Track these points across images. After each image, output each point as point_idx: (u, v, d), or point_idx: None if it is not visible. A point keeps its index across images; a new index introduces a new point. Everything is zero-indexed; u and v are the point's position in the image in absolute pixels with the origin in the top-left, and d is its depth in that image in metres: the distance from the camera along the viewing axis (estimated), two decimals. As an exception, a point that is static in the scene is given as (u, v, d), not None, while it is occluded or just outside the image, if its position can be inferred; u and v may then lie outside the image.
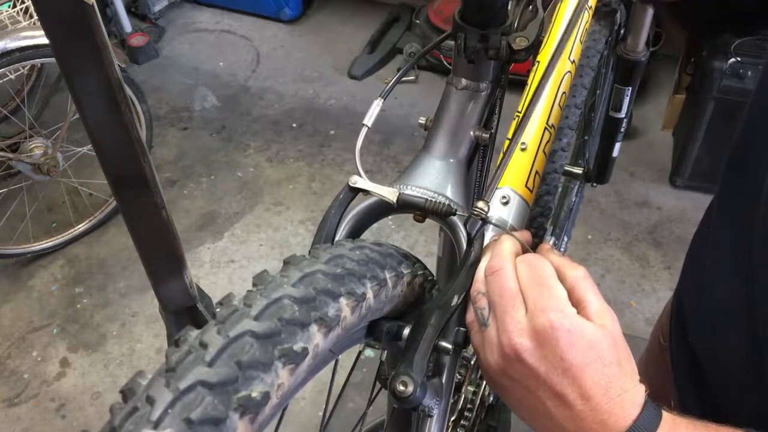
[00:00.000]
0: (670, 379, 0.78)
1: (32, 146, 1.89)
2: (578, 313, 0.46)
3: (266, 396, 0.32)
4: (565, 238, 1.66)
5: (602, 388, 0.44)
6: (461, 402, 0.89)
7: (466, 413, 0.90)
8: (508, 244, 0.51)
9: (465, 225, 0.52)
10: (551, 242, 1.51)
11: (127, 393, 0.31)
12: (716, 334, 0.64)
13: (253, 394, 0.31)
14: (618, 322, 0.47)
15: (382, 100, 0.61)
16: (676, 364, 0.76)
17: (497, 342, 0.47)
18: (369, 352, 1.51)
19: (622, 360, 0.45)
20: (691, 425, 0.46)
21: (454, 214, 0.53)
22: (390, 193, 0.54)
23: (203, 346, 0.32)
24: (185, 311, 1.07)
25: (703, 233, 0.73)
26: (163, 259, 1.00)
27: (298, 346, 0.34)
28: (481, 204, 0.53)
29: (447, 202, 0.54)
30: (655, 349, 0.91)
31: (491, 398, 0.98)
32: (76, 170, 2.06)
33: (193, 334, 0.33)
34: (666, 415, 0.45)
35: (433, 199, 0.54)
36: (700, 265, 0.70)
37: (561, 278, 0.48)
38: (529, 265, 0.48)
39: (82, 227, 2.13)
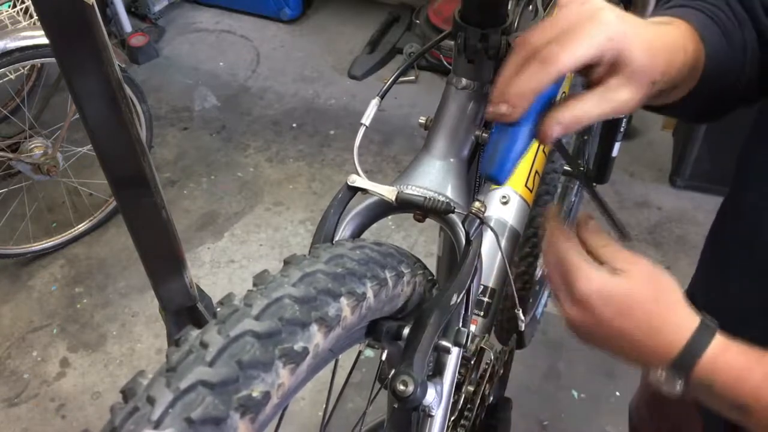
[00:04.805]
0: None
1: (32, 146, 1.89)
2: (610, 270, 0.53)
3: (267, 396, 0.32)
4: (565, 238, 1.66)
5: (644, 329, 0.51)
6: (461, 401, 0.89)
7: (466, 413, 0.90)
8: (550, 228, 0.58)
9: (463, 224, 0.52)
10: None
11: (127, 393, 0.31)
12: (731, 332, 0.64)
13: (254, 394, 0.31)
14: (647, 263, 0.53)
15: (380, 99, 0.61)
16: None
17: (562, 310, 0.56)
18: (369, 352, 1.51)
19: (658, 296, 0.52)
20: (742, 350, 0.51)
21: (453, 212, 0.53)
22: (389, 192, 0.54)
23: (204, 345, 0.32)
24: (185, 311, 1.08)
25: (716, 231, 0.73)
26: (163, 259, 1.00)
27: (298, 346, 0.34)
28: (478, 203, 0.53)
29: (446, 201, 0.54)
30: None
31: (491, 398, 0.98)
32: (76, 170, 2.06)
33: (194, 333, 0.33)
34: (718, 339, 0.51)
35: (432, 198, 0.54)
36: (715, 263, 0.70)
37: (590, 247, 0.56)
38: (558, 254, 0.56)
39: (82, 227, 2.13)
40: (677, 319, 0.51)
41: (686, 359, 0.50)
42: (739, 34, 0.57)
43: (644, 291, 0.51)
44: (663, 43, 0.50)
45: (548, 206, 0.57)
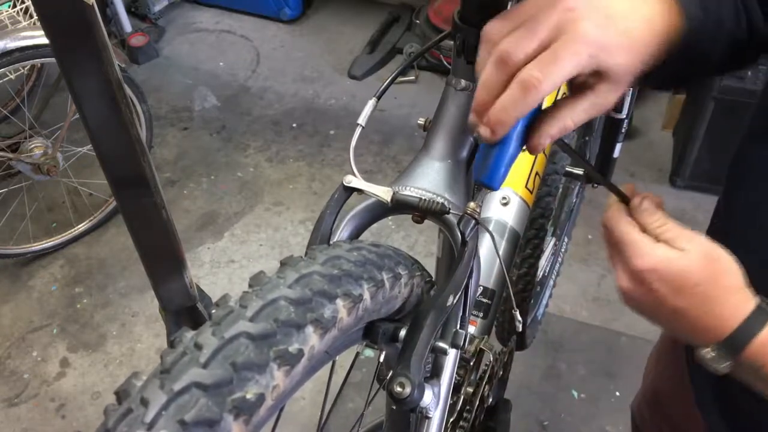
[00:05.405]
0: (682, 374, 0.79)
1: (32, 146, 1.89)
2: (667, 247, 0.53)
3: (261, 397, 0.31)
4: (566, 239, 1.66)
5: (698, 306, 0.51)
6: (460, 403, 0.89)
7: (465, 414, 0.90)
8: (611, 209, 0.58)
9: (459, 225, 0.52)
10: (552, 243, 1.51)
11: (121, 394, 0.31)
12: None
13: (248, 396, 0.31)
14: (706, 242, 0.53)
15: (377, 99, 0.61)
16: (691, 362, 0.77)
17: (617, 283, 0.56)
18: (368, 352, 1.52)
19: (716, 275, 0.52)
20: None
21: (448, 213, 0.53)
22: (384, 193, 0.54)
23: (198, 347, 0.32)
24: (185, 311, 1.07)
25: (712, 231, 0.73)
26: (163, 259, 1.00)
27: (293, 348, 0.34)
28: (473, 204, 0.53)
29: (441, 202, 0.54)
30: (668, 344, 0.91)
31: (490, 399, 0.97)
32: (76, 170, 2.06)
33: (189, 335, 0.33)
34: None
35: (428, 199, 0.54)
36: None
37: (648, 225, 0.55)
38: (612, 229, 0.56)
39: (82, 227, 2.13)
40: (732, 300, 0.51)
41: (737, 341, 0.51)
42: (715, 6, 0.56)
43: (701, 270, 0.51)
44: (647, 32, 0.49)
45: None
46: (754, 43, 0.58)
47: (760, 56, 0.61)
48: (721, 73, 0.63)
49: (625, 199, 0.57)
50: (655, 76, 0.55)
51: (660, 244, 0.53)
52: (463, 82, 0.61)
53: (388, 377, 0.44)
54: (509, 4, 0.60)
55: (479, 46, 0.50)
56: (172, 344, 0.33)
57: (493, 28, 0.49)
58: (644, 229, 0.55)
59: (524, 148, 0.72)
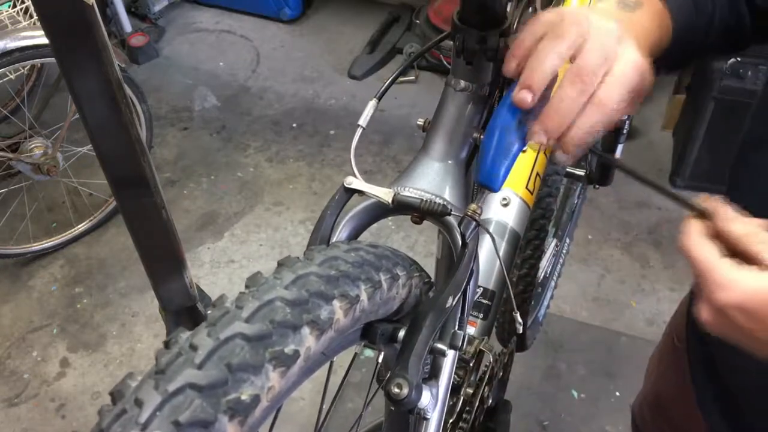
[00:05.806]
0: (683, 376, 0.78)
1: (32, 146, 1.89)
2: (758, 265, 0.46)
3: (256, 399, 0.31)
4: (567, 240, 1.66)
5: None
6: (460, 404, 0.89)
7: (464, 415, 0.90)
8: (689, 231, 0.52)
9: (459, 226, 0.52)
10: (553, 244, 1.51)
11: (116, 395, 0.31)
12: None
13: (243, 397, 0.31)
14: None
15: (377, 100, 0.61)
16: (692, 363, 0.77)
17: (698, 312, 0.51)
18: (368, 353, 1.52)
19: None
20: None
21: (449, 215, 0.53)
22: (385, 194, 0.54)
23: (193, 348, 0.32)
24: (185, 311, 1.07)
25: None
26: (163, 259, 1.00)
27: (289, 349, 0.34)
28: (474, 206, 0.52)
29: (442, 203, 0.53)
30: (669, 348, 0.91)
31: (490, 400, 0.97)
32: (76, 170, 2.05)
33: (184, 336, 0.33)
34: None
35: (429, 200, 0.53)
36: None
37: (732, 241, 0.48)
38: (689, 256, 0.50)
39: (82, 227, 2.13)
40: None
41: None
42: (709, 4, 0.59)
43: None
44: (649, 45, 0.53)
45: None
46: (741, 33, 0.59)
47: (751, 44, 0.63)
48: (717, 56, 0.66)
49: (702, 214, 0.49)
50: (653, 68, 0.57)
51: (747, 268, 0.46)
52: (462, 83, 0.61)
53: (386, 378, 0.44)
54: (508, 5, 0.60)
55: (522, 39, 0.51)
56: (167, 345, 0.33)
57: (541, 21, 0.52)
58: (731, 247, 0.48)
59: (524, 149, 0.72)
